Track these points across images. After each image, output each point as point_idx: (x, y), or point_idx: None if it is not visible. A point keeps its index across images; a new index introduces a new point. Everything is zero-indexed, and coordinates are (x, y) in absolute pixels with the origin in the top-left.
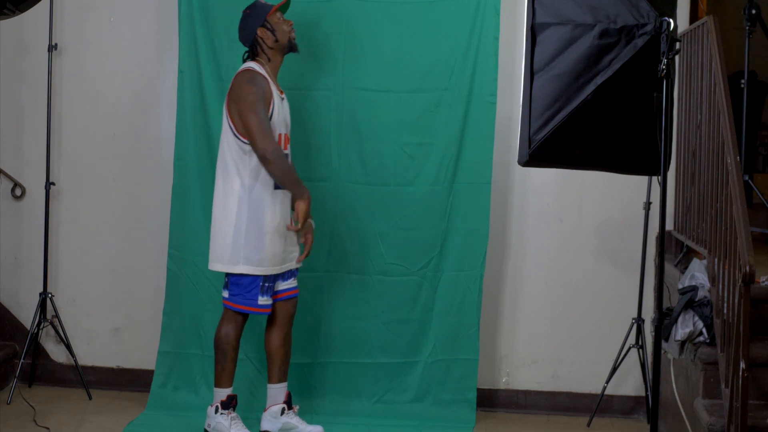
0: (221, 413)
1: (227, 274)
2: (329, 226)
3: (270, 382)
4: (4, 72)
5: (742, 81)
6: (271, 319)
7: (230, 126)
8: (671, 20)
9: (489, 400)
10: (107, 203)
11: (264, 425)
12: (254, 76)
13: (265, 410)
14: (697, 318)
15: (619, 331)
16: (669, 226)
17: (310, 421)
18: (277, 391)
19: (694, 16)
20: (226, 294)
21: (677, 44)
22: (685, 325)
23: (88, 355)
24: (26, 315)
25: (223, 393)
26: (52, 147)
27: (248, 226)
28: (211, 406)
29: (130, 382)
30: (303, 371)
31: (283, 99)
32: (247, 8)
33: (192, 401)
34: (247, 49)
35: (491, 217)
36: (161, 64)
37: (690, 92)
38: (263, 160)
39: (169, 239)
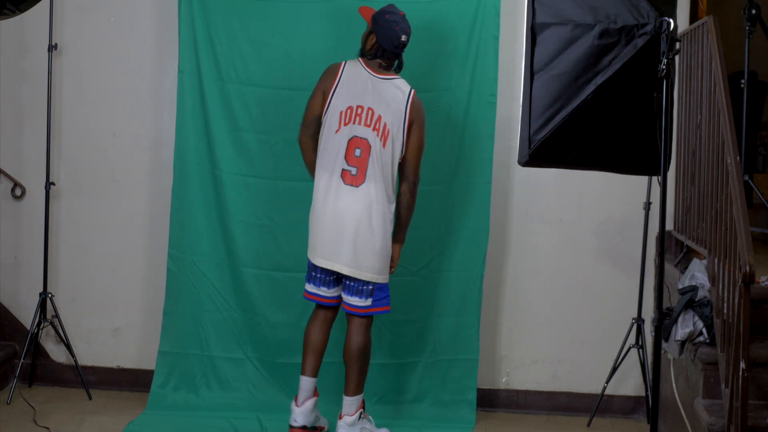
0: (364, 418)
1: (359, 283)
2: None
3: (306, 374)
4: (4, 72)
5: (742, 81)
6: (328, 316)
7: (403, 144)
8: (671, 20)
9: (489, 400)
10: (107, 203)
11: (300, 420)
12: None
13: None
14: (697, 318)
15: (619, 331)
16: (669, 226)
17: None
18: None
19: (694, 16)
20: (368, 302)
21: (677, 44)
22: (685, 325)
23: (88, 355)
24: (26, 315)
25: (360, 398)
26: (52, 147)
27: (389, 239)
28: (350, 415)
29: (130, 382)
30: None
31: None
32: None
33: (192, 401)
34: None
35: (491, 217)
36: (161, 64)
37: (690, 92)
38: (412, 192)
39: (169, 239)
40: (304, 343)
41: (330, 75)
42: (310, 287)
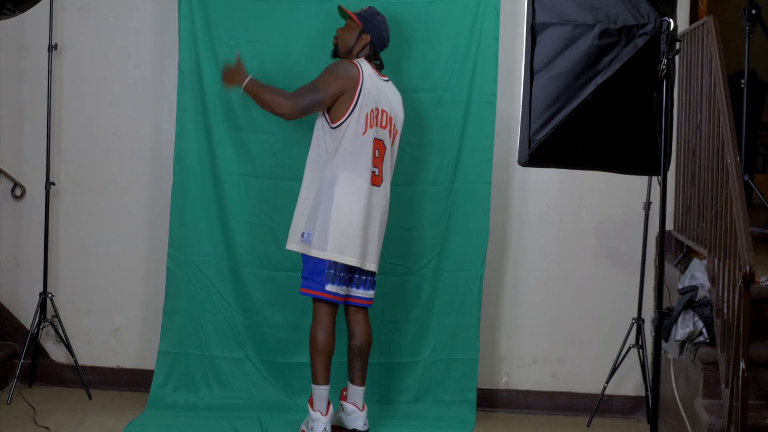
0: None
1: (374, 275)
2: None
3: (326, 383)
4: (4, 72)
5: (742, 81)
6: (335, 316)
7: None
8: (671, 20)
9: (489, 400)
10: (107, 203)
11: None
12: None
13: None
14: (697, 318)
15: (619, 331)
16: (669, 226)
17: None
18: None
19: (694, 16)
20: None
21: (677, 44)
22: (685, 325)
23: (88, 355)
24: (26, 315)
25: None
26: (52, 147)
27: None
28: (362, 409)
29: (130, 382)
30: (304, 371)
31: None
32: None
33: (192, 401)
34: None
35: (491, 217)
36: (161, 64)
37: (690, 92)
38: None
39: (169, 239)
40: (320, 351)
41: (352, 76)
42: (332, 287)
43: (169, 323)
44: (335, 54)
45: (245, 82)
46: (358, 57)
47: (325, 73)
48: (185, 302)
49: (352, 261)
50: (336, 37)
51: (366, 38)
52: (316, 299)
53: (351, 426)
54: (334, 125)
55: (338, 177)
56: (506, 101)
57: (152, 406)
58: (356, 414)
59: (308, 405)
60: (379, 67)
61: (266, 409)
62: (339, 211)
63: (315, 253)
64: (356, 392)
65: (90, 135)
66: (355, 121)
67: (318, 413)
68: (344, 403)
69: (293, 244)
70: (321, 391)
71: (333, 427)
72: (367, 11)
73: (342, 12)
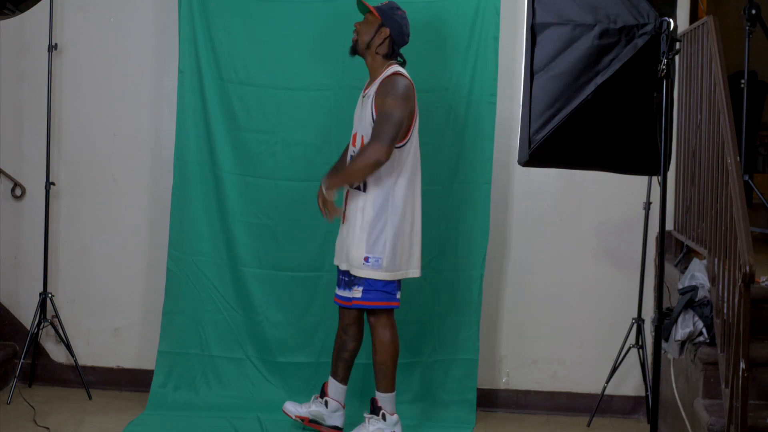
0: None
1: None
2: (328, 226)
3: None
4: (4, 72)
5: (742, 81)
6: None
7: None
8: (671, 20)
9: (489, 400)
10: (107, 203)
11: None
12: None
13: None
14: (697, 318)
15: (619, 331)
16: (669, 226)
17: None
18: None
19: (694, 16)
20: None
21: (677, 44)
22: (685, 325)
23: (88, 355)
24: (26, 315)
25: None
26: (52, 147)
27: None
28: (344, 407)
29: (130, 382)
30: (304, 371)
31: (362, 97)
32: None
33: (192, 401)
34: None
35: (491, 217)
36: (161, 64)
37: (690, 92)
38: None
39: (169, 239)
40: (397, 357)
41: (413, 93)
42: (399, 294)
43: (169, 323)
44: (354, 51)
45: (328, 192)
46: (377, 53)
47: (391, 98)
48: (185, 302)
49: (416, 274)
50: (355, 32)
51: (385, 32)
52: (377, 309)
53: (331, 423)
54: (398, 145)
55: (404, 190)
56: (506, 101)
57: (152, 406)
58: (340, 411)
59: (379, 415)
60: (402, 65)
61: (266, 409)
62: (405, 227)
63: (387, 276)
64: (342, 390)
65: (90, 135)
66: (416, 137)
67: (396, 416)
68: (328, 399)
69: (362, 270)
70: (393, 396)
71: (304, 420)
72: (387, 5)
73: (361, 5)
